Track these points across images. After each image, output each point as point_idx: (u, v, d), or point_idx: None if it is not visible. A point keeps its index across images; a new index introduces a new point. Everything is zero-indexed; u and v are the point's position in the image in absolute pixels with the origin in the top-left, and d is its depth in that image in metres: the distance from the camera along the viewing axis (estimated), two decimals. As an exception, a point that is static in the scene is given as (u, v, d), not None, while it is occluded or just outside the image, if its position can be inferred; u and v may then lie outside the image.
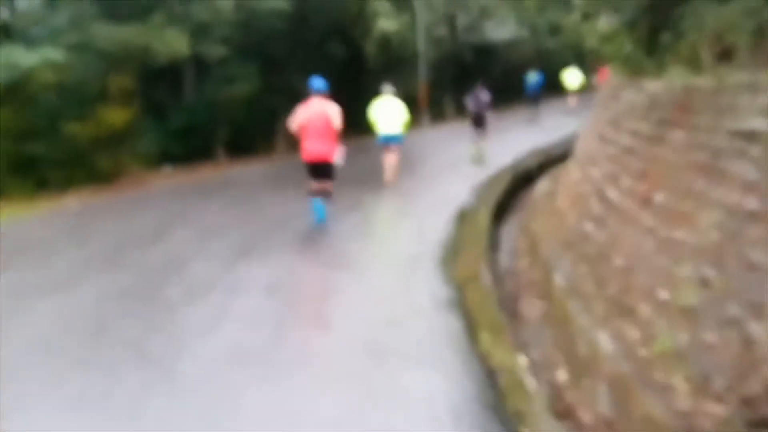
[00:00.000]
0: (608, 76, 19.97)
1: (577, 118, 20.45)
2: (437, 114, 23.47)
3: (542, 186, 11.31)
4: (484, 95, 14.57)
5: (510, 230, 9.80)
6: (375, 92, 22.13)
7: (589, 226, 6.59)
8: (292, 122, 8.72)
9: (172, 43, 13.46)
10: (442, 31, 25.50)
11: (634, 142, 6.34)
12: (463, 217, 8.99)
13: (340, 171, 9.04)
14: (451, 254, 7.25)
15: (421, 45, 22.02)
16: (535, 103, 22.03)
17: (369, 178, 12.07)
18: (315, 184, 8.45)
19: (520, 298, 6.51)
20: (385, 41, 22.02)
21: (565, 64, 30.73)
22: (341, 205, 9.38)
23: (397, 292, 6.24)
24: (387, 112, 11.94)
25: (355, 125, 21.91)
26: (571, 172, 9.01)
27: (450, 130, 19.70)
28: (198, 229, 8.78)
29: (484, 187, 11.10)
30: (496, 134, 15.64)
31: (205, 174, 14.30)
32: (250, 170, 14.89)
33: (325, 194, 8.48)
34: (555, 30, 31.02)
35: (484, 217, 8.97)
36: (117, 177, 12.96)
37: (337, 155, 8.53)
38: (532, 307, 6.18)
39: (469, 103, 14.76)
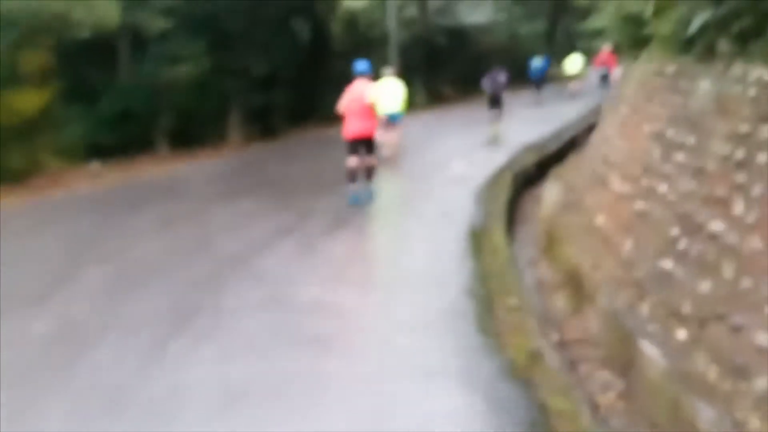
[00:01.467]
0: (606, 61, 19.75)
1: (578, 103, 19.86)
2: (409, 101, 21.43)
3: (552, 192, 9.39)
4: (502, 77, 14.73)
5: (524, 250, 7.87)
6: (341, 76, 20.12)
7: (674, 267, 4.66)
8: (339, 106, 9.01)
9: (98, 11, 10.99)
10: (412, 11, 23.37)
11: (742, 150, 4.43)
12: (477, 240, 7.03)
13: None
14: (483, 305, 5.23)
15: (392, 25, 19.87)
16: (539, 87, 21.78)
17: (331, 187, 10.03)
18: (355, 161, 8.67)
19: (587, 373, 4.56)
20: (352, 21, 19.83)
21: (537, 51, 29.43)
22: (303, 233, 7.42)
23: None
24: (386, 91, 11.60)
25: (320, 113, 19.76)
26: (607, 182, 7.08)
27: (425, 122, 17.64)
28: (112, 270, 6.15)
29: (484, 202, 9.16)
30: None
31: (142, 171, 11.91)
32: (197, 168, 12.55)
33: (370, 170, 8.80)
34: (530, 16, 29.49)
35: (499, 239, 6.99)
36: (29, 176, 10.52)
37: (378, 132, 8.99)
38: (609, 395, 4.23)
39: (486, 83, 14.78)
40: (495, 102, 14.56)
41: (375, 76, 10.12)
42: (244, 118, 16.67)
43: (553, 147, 13.42)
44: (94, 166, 11.93)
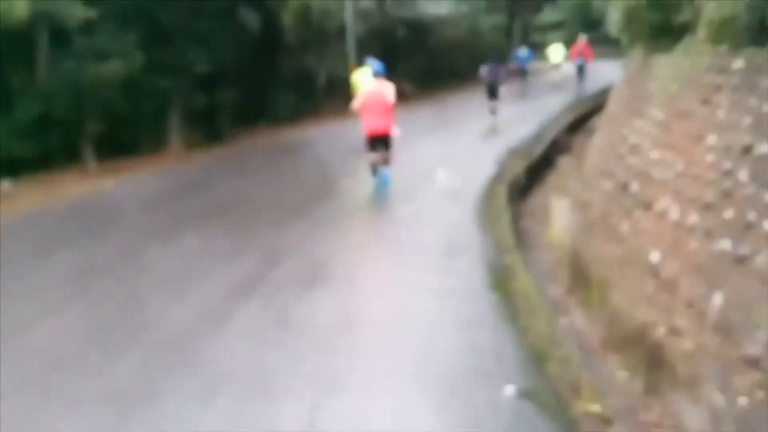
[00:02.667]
0: (583, 52, 19.52)
1: (560, 95, 19.04)
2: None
3: (561, 211, 7.94)
4: (501, 69, 15.15)
5: (541, 286, 6.36)
6: (295, 73, 18.28)
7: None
8: (355, 103, 9.41)
9: (1, -4, 8.95)
10: (370, 2, 21.65)
11: None
12: (503, 288, 5.41)
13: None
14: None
15: (349, 17, 18.18)
16: (524, 78, 21.35)
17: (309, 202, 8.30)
18: (376, 155, 8.95)
19: None
20: (306, 12, 18.02)
21: (498, 44, 28.49)
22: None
23: None
24: (367, 80, 11.51)
25: (272, 114, 17.87)
26: (652, 205, 5.62)
27: None
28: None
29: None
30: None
31: (63, 191, 9.88)
32: (131, 185, 10.54)
33: (386, 162, 8.99)
34: (490, 9, 28.22)
35: (528, 287, 5.44)
36: None
37: (395, 129, 8.97)
38: None
39: (485, 73, 14.86)
40: (493, 92, 14.72)
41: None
42: (185, 122, 14.72)
43: (539, 150, 12.05)
44: (4, 185, 9.88)
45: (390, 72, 21.72)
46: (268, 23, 16.54)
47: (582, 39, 20.47)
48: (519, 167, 10.38)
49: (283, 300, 5.18)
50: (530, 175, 10.62)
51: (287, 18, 17.62)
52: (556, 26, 42.75)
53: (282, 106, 17.32)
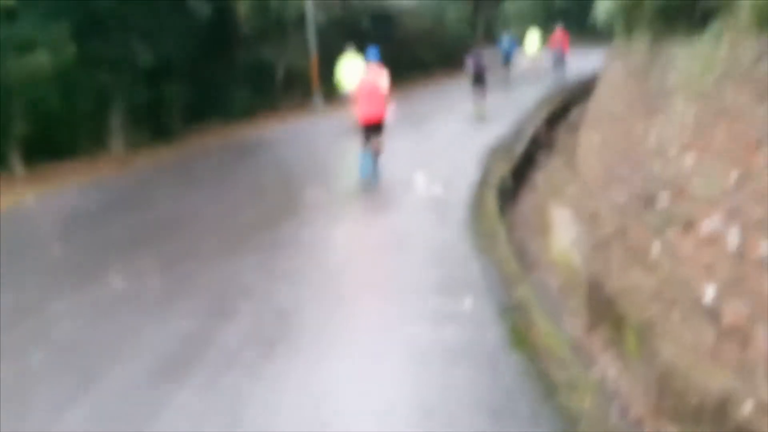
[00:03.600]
0: (561, 41, 19.04)
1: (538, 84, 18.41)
2: (329, 93, 18.51)
3: (565, 226, 6.89)
4: (484, 57, 14.65)
5: (563, 319, 5.28)
6: (252, 66, 16.88)
7: None
8: (351, 90, 9.60)
9: None
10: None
11: None
12: (522, 343, 4.21)
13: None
14: None
15: (309, 6, 16.86)
16: (508, 67, 20.34)
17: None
18: (370, 144, 8.77)
19: None
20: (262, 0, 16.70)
21: (462, 35, 27.69)
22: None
23: None
24: (351, 68, 12.43)
25: (227, 110, 16.44)
26: (696, 226, 4.57)
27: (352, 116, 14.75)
28: None
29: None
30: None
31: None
32: (55, 199, 8.91)
33: (377, 149, 8.83)
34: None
35: (556, 342, 4.32)
36: None
37: (389, 115, 8.83)
38: None
39: (469, 62, 14.58)
40: (478, 81, 14.41)
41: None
42: (129, 120, 13.22)
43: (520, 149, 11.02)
44: None
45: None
46: (220, 12, 15.14)
47: (559, 28, 20.12)
48: (504, 168, 9.32)
49: (233, 383, 3.78)
50: (516, 176, 9.59)
51: (242, 7, 16.25)
52: (519, 17, 42.28)
53: (237, 101, 15.92)
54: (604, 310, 4.97)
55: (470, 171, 8.94)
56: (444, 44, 25.26)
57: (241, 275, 5.52)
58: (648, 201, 5.45)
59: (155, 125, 13.90)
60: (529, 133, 12.17)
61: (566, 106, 15.74)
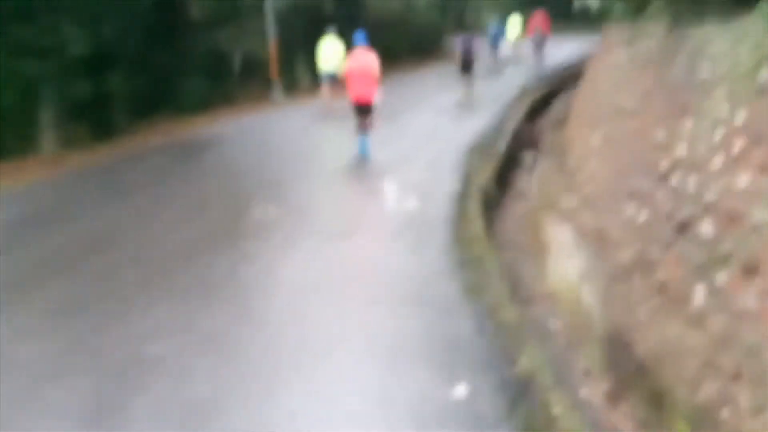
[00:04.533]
0: (541, 25, 18.78)
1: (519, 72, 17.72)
2: (290, 84, 17.10)
3: (571, 255, 5.73)
4: (476, 42, 14.28)
5: (574, 376, 4.10)
6: (205, 54, 15.36)
7: None
8: (342, 71, 9.65)
9: None
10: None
11: None
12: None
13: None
14: None
15: (268, -11, 15.42)
16: (496, 53, 19.96)
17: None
18: (360, 119, 9.17)
19: None
20: (215, -20, 15.23)
21: (435, 24, 26.52)
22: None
23: None
24: (329, 50, 13.22)
25: (178, 102, 14.98)
26: (759, 268, 3.43)
27: (314, 109, 13.41)
28: None
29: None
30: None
31: None
32: None
33: (367, 127, 9.18)
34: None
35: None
36: None
37: (377, 96, 9.09)
38: None
39: (459, 45, 14.26)
40: (466, 67, 14.17)
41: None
42: (65, 116, 11.70)
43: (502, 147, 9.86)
44: None
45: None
46: (168, -6, 13.65)
47: (539, 11, 19.71)
48: (486, 173, 8.15)
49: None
50: (500, 181, 8.43)
51: (192, -13, 14.79)
52: (491, 5, 41.15)
53: (190, 94, 14.44)
54: (634, 377, 3.80)
55: (449, 177, 7.77)
56: (414, 32, 23.95)
57: (151, 339, 4.07)
58: (681, 227, 4.29)
59: (96, 121, 12.40)
60: (510, 128, 11.03)
61: (546, 98, 14.68)
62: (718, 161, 4.17)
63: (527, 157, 10.12)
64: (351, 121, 9.43)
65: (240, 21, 16.12)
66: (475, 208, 6.67)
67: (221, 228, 6.23)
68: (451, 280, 4.81)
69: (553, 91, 15.20)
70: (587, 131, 7.68)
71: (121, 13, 12.23)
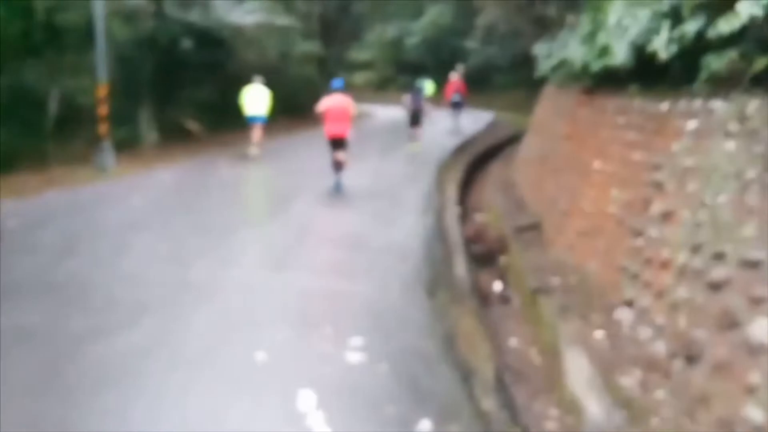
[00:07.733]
0: (459, 89, 19.25)
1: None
2: (127, 142, 12.72)
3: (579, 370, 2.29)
4: (422, 97, 15.81)
5: None
6: (8, 96, 10.69)
7: None
8: (318, 107, 10.06)
9: None
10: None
11: None
12: None
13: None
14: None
15: (100, 12, 11.09)
16: (458, 110, 20.02)
17: None
18: (335, 155, 10.00)
19: None
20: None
21: (310, 80, 23.12)
22: None
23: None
24: (254, 96, 13.33)
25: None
26: None
27: (180, 183, 9.32)
28: None
29: None
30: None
31: None
32: None
33: (341, 165, 9.99)
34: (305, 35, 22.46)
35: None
36: None
37: (350, 133, 9.97)
38: None
39: (407, 100, 15.56)
40: (415, 120, 15.28)
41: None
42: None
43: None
44: None
45: (166, 100, 14.68)
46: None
47: (455, 76, 19.75)
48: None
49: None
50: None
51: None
52: (365, 65, 38.98)
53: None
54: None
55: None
56: (289, 87, 19.89)
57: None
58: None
59: None
60: (452, 237, 7.71)
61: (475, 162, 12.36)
62: None
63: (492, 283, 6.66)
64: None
65: (59, 54, 11.70)
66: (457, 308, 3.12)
67: None
68: None
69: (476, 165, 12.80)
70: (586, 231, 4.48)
71: None
